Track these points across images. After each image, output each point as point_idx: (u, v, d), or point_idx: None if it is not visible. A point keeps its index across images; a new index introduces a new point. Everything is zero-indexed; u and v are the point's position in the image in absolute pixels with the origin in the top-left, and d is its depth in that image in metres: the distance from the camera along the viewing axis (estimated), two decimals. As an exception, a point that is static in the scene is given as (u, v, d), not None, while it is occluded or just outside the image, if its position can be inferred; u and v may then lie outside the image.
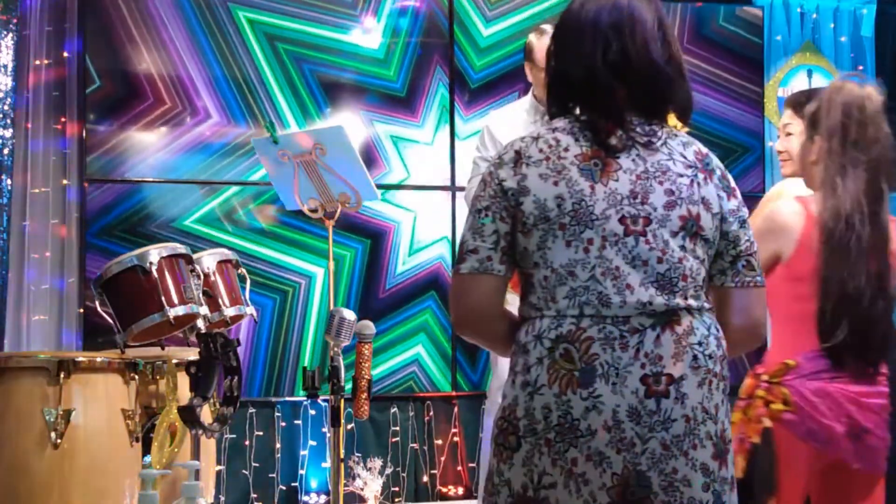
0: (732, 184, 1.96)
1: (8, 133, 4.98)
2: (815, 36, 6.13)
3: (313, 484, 5.20)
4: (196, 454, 3.35)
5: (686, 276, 1.86)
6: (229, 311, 3.55)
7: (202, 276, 3.41)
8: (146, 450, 3.43)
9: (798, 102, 3.03)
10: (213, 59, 5.26)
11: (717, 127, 5.80)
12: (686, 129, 2.06)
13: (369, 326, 3.18)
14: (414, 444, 5.33)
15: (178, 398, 3.39)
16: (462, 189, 4.71)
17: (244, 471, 5.12)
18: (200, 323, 3.30)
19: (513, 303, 1.99)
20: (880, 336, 2.57)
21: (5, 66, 4.98)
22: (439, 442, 5.36)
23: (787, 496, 2.41)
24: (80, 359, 3.41)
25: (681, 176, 1.88)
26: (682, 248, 1.86)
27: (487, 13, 5.62)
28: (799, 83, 5.99)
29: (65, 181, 5.12)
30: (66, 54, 5.14)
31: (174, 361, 3.47)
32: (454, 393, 5.42)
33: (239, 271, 3.69)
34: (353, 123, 5.34)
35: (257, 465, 5.13)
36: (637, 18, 1.91)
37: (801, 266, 2.58)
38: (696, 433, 1.82)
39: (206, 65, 5.25)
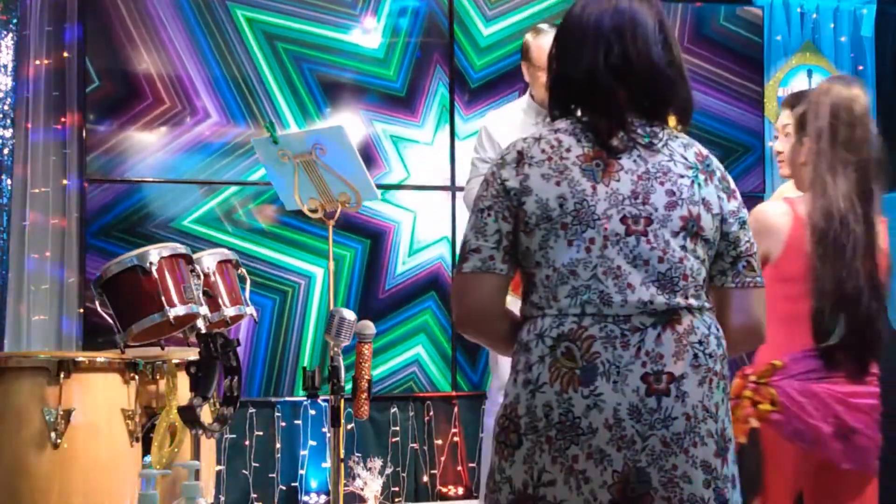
0: (732, 185, 1.98)
1: (8, 133, 4.98)
2: (815, 36, 6.13)
3: (313, 484, 5.19)
4: (196, 454, 3.35)
5: (687, 276, 1.87)
6: (229, 311, 3.56)
7: (202, 276, 3.41)
8: (146, 450, 3.43)
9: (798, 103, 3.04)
10: (213, 58, 5.26)
11: (718, 126, 5.80)
12: (684, 130, 2.06)
13: (369, 326, 3.18)
14: (414, 444, 5.33)
15: (178, 398, 3.39)
16: (462, 189, 4.71)
17: (244, 471, 5.12)
18: (200, 323, 3.30)
19: (513, 305, 2.00)
20: (876, 336, 2.58)
21: (5, 66, 4.98)
22: (439, 442, 5.36)
23: (773, 496, 2.42)
24: (80, 359, 3.41)
25: (681, 177, 1.90)
26: (683, 248, 1.88)
27: (487, 12, 5.62)
28: (799, 83, 5.99)
29: (65, 181, 5.12)
30: (66, 54, 5.14)
31: (174, 361, 3.47)
32: (454, 393, 5.42)
33: (239, 271, 3.69)
34: (352, 123, 5.34)
35: (257, 465, 5.13)
36: (638, 22, 1.94)
37: (789, 267, 2.59)
38: (696, 431, 1.83)
39: (206, 64, 5.25)
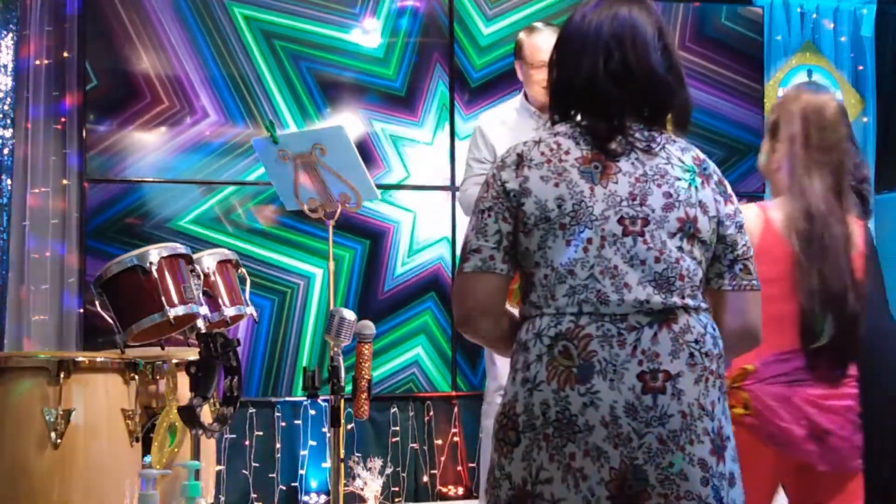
0: (729, 190, 2.01)
1: (8, 133, 4.98)
2: (815, 36, 6.13)
3: (313, 484, 5.19)
4: (196, 454, 3.35)
5: (683, 276, 1.90)
6: (229, 311, 3.56)
7: (202, 276, 3.41)
8: (146, 450, 3.43)
9: None
10: (211, 58, 5.25)
11: (719, 125, 5.80)
12: (682, 134, 2.08)
13: (369, 326, 3.18)
14: (414, 444, 5.33)
15: (178, 398, 3.39)
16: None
17: (244, 471, 5.12)
18: (200, 323, 3.30)
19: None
20: (860, 336, 2.60)
21: (5, 66, 4.98)
22: (439, 442, 5.36)
23: (750, 499, 2.43)
24: (80, 359, 3.41)
25: (679, 179, 1.94)
26: (680, 248, 1.91)
27: (488, 12, 5.61)
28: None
29: (65, 181, 5.12)
30: (66, 54, 5.14)
31: (174, 361, 3.47)
32: (454, 393, 5.42)
33: (239, 271, 3.69)
34: (352, 123, 5.34)
35: (257, 465, 5.13)
36: (637, 29, 1.98)
37: (759, 270, 2.59)
38: (692, 429, 1.86)
39: (204, 64, 5.24)
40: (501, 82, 5.49)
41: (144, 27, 5.19)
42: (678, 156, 1.97)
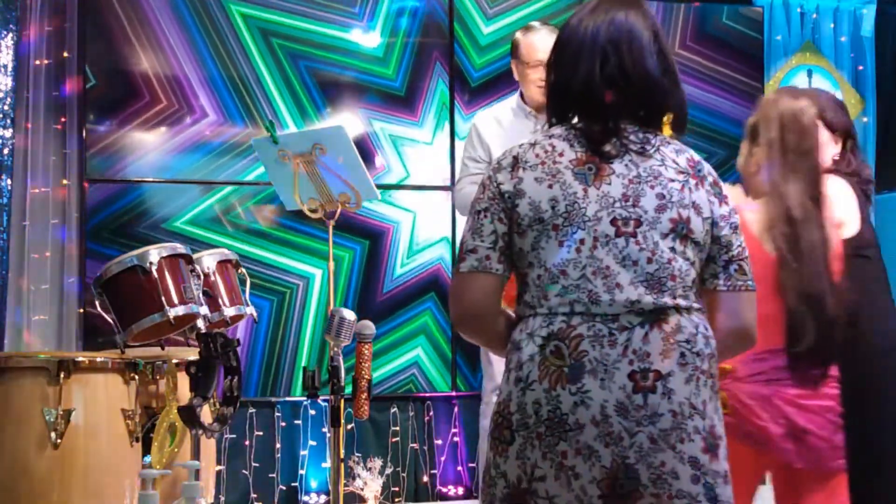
0: (725, 191, 2.03)
1: (8, 133, 4.98)
2: (815, 36, 6.13)
3: (313, 484, 5.19)
4: (196, 454, 3.35)
5: (675, 277, 1.92)
6: (229, 311, 3.56)
7: (202, 276, 3.41)
8: (146, 450, 3.43)
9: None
10: (210, 57, 5.25)
11: (720, 124, 5.80)
12: (679, 137, 2.10)
13: (369, 326, 3.18)
14: (414, 444, 5.33)
15: (178, 398, 3.39)
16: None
17: (244, 471, 5.12)
18: (200, 323, 3.30)
19: None
20: (840, 337, 2.63)
21: (5, 66, 4.98)
22: (439, 442, 5.36)
23: None
24: (80, 359, 3.41)
25: (672, 181, 1.96)
26: (672, 249, 1.93)
27: (488, 11, 5.61)
28: (799, 83, 5.98)
29: (65, 181, 5.12)
30: (66, 54, 5.14)
31: (174, 361, 3.47)
32: (454, 392, 5.42)
33: (239, 271, 3.69)
34: (351, 122, 5.33)
35: (257, 465, 5.13)
36: (633, 34, 2.01)
37: None
38: (683, 427, 1.87)
39: (203, 63, 5.24)
40: (502, 82, 5.48)
41: (143, 27, 5.19)
42: (672, 157, 1.99)
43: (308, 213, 3.77)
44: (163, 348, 3.50)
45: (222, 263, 3.60)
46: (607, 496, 1.85)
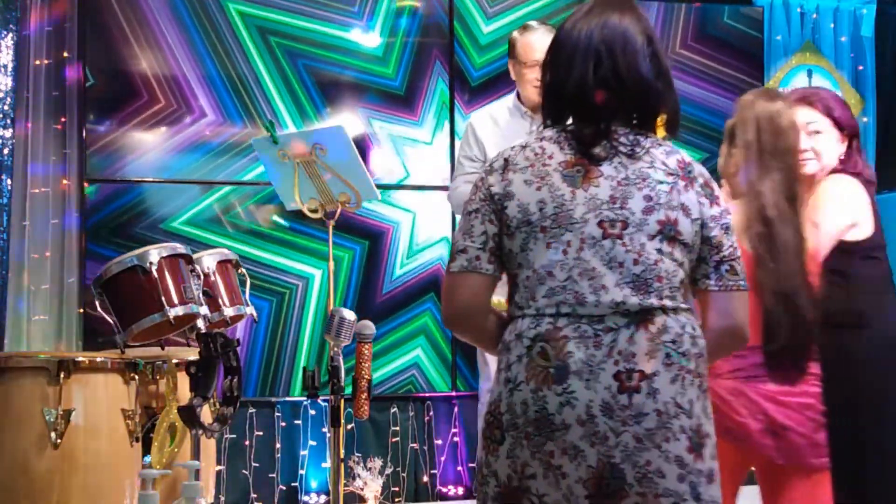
0: (716, 192, 2.04)
1: (8, 133, 4.98)
2: (815, 36, 6.13)
3: (313, 484, 5.19)
4: (196, 454, 3.35)
5: (661, 278, 1.94)
6: (229, 311, 3.56)
7: (202, 276, 3.41)
8: (146, 450, 3.43)
9: (823, 101, 3.06)
10: (208, 57, 5.25)
11: (721, 123, 5.79)
12: (672, 137, 2.12)
13: (369, 326, 3.18)
14: (414, 444, 5.33)
15: (178, 398, 3.39)
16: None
17: (244, 471, 5.12)
18: (200, 323, 3.30)
19: None
20: (807, 334, 2.67)
21: (5, 66, 4.98)
22: (439, 442, 5.36)
23: None
24: (80, 359, 3.41)
25: (660, 183, 1.98)
26: (659, 250, 1.95)
27: (488, 10, 5.61)
28: (799, 83, 5.99)
29: (65, 181, 5.12)
30: (65, 54, 5.14)
31: (174, 361, 3.47)
32: (454, 392, 5.42)
33: (239, 271, 3.69)
34: (350, 122, 5.33)
35: (257, 465, 5.13)
36: (627, 36, 2.03)
37: None
38: (668, 427, 1.89)
39: (202, 63, 5.24)
40: (502, 81, 5.47)
41: (142, 27, 5.19)
42: (662, 159, 2.00)
43: (308, 213, 3.77)
44: (163, 348, 3.50)
45: (222, 263, 3.60)
46: (594, 495, 1.87)
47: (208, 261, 3.54)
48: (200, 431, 3.25)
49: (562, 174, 1.98)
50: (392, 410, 5.32)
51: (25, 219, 5.04)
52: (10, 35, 5.00)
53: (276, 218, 5.28)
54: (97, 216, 5.12)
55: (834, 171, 3.03)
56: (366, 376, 3.13)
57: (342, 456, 3.27)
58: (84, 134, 5.12)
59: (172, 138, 5.22)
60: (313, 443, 5.20)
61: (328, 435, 4.57)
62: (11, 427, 3.30)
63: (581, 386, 1.88)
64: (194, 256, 3.45)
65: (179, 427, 3.36)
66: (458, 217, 2.19)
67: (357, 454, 5.16)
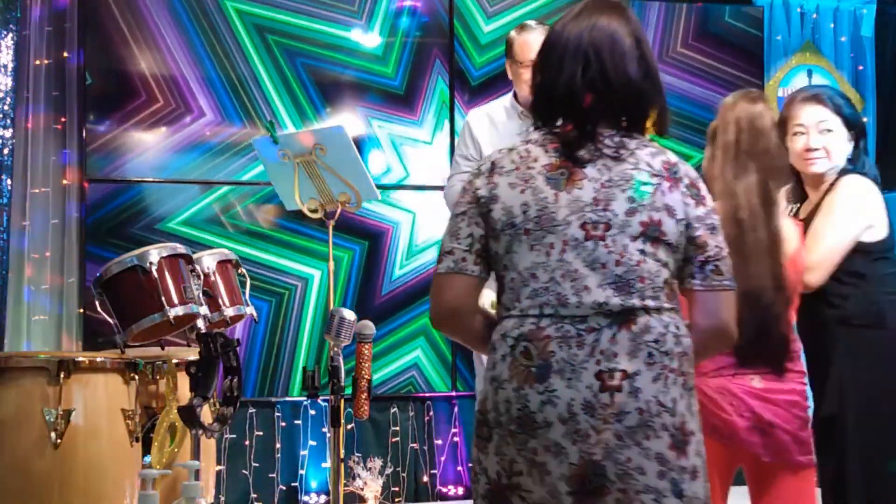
0: (703, 192, 2.06)
1: (8, 133, 4.98)
2: (815, 36, 6.13)
3: (313, 484, 5.19)
4: (196, 454, 3.35)
5: (644, 278, 1.97)
6: (229, 311, 3.56)
7: (202, 276, 3.41)
8: (146, 450, 3.43)
9: (833, 99, 3.05)
10: (207, 56, 5.25)
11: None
12: (662, 137, 2.14)
13: (369, 326, 3.18)
14: (414, 444, 5.33)
15: (178, 398, 3.38)
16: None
17: (244, 471, 5.12)
18: (200, 323, 3.30)
19: None
20: (780, 335, 2.70)
21: (5, 66, 4.98)
22: (439, 442, 5.36)
23: None
24: (80, 359, 3.41)
25: (644, 184, 1.99)
26: (642, 251, 1.97)
27: (488, 9, 5.60)
28: (799, 83, 5.99)
29: (65, 181, 5.12)
30: (65, 54, 5.14)
31: (174, 361, 3.47)
32: (454, 392, 5.42)
33: (239, 272, 3.69)
34: (350, 122, 5.33)
35: (257, 465, 5.13)
36: (615, 39, 2.06)
37: None
38: (650, 425, 1.91)
39: (201, 63, 5.24)
40: (502, 81, 5.43)
41: (140, 27, 5.18)
42: (647, 160, 2.02)
43: (308, 213, 3.77)
44: (163, 348, 3.50)
45: (222, 263, 3.60)
46: (576, 492, 1.91)
47: (208, 261, 3.54)
48: (200, 431, 3.25)
49: (546, 177, 2.01)
50: (392, 410, 5.32)
51: (25, 218, 5.04)
52: (10, 35, 5.00)
53: (275, 218, 5.28)
54: (98, 216, 5.12)
55: (844, 170, 3.03)
56: (366, 376, 3.13)
57: (342, 456, 3.27)
58: (84, 134, 5.12)
59: (172, 137, 5.22)
60: (313, 443, 5.20)
61: (328, 435, 4.57)
62: (11, 427, 3.30)
63: (563, 385, 1.91)
64: (194, 256, 3.45)
65: (179, 427, 3.35)
66: (453, 216, 2.20)
67: (357, 454, 5.16)
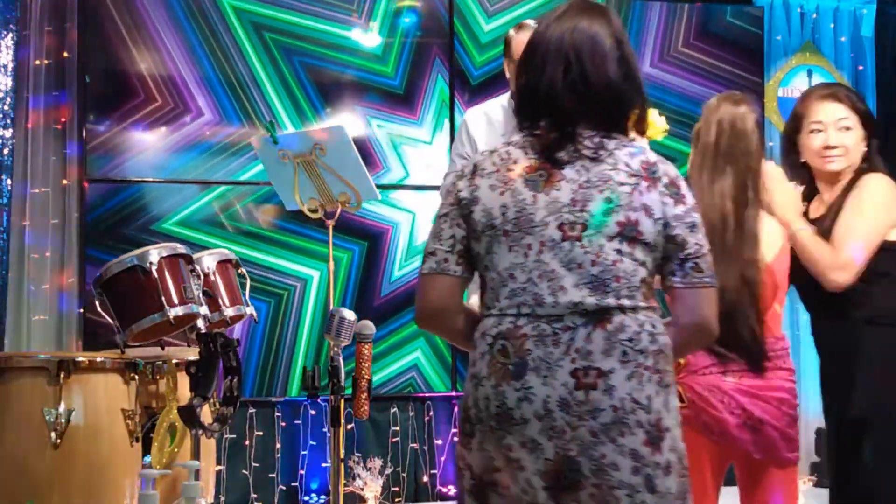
0: (683, 191, 2.07)
1: (8, 133, 4.98)
2: (815, 36, 6.13)
3: (313, 484, 5.19)
4: (196, 454, 3.35)
5: (619, 278, 2.00)
6: (229, 311, 3.56)
7: (202, 276, 3.41)
8: (146, 450, 3.42)
9: (850, 97, 3.04)
10: (205, 56, 5.25)
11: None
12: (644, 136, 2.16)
13: (369, 326, 3.18)
14: (414, 444, 5.33)
15: (178, 398, 3.38)
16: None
17: (244, 471, 5.12)
18: (200, 323, 3.30)
19: None
20: (748, 334, 2.70)
21: (5, 66, 4.98)
22: (439, 442, 5.37)
23: (694, 492, 2.47)
24: (80, 359, 3.41)
25: (622, 184, 2.02)
26: (619, 251, 2.00)
27: (489, 8, 5.60)
28: (799, 83, 5.99)
29: (65, 181, 5.12)
30: (65, 54, 5.14)
31: (174, 361, 3.47)
32: (454, 393, 5.42)
33: (239, 271, 3.69)
34: (349, 121, 5.32)
35: (257, 465, 5.13)
36: (596, 41, 2.08)
37: None
38: (625, 422, 1.94)
39: (199, 63, 5.24)
40: (502, 80, 5.42)
41: (139, 27, 5.19)
42: (626, 161, 2.04)
43: (308, 213, 3.77)
44: (163, 348, 3.50)
45: (222, 263, 3.60)
46: (552, 487, 1.95)
47: (208, 261, 3.53)
48: (200, 431, 3.25)
49: (525, 179, 2.04)
50: (392, 410, 5.32)
51: (25, 219, 5.05)
52: (10, 35, 5.00)
53: (274, 219, 5.27)
54: (98, 216, 5.12)
55: (861, 169, 3.01)
56: (366, 376, 3.13)
57: (342, 456, 3.28)
58: (84, 134, 5.12)
59: (171, 137, 5.22)
60: (313, 443, 5.20)
61: (328, 435, 4.58)
62: (11, 427, 3.30)
63: (538, 382, 1.95)
64: (194, 256, 3.45)
65: (179, 427, 3.35)
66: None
67: (357, 454, 5.16)
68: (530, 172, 2.05)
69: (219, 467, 4.72)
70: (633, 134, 2.14)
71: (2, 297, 4.93)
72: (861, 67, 6.16)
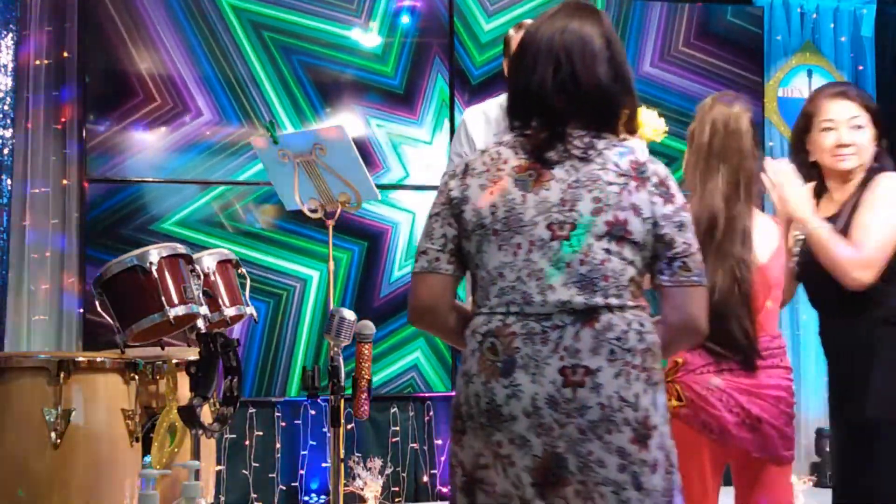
0: (672, 190, 2.08)
1: (8, 133, 4.98)
2: (815, 36, 6.13)
3: (313, 484, 5.19)
4: (196, 454, 3.35)
5: (608, 277, 2.01)
6: (229, 311, 3.55)
7: (202, 276, 3.41)
8: (146, 450, 3.42)
9: (861, 96, 3.02)
10: (205, 56, 5.25)
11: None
12: (633, 134, 2.17)
13: (369, 326, 3.18)
14: (414, 444, 5.33)
15: (178, 398, 3.38)
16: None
17: (244, 471, 5.12)
18: (200, 323, 3.30)
19: None
20: (740, 333, 2.72)
21: (5, 66, 4.98)
22: (439, 442, 5.36)
23: (689, 490, 2.48)
24: (80, 359, 3.41)
25: (610, 184, 2.04)
26: (607, 250, 2.02)
27: (489, 7, 5.60)
28: (799, 83, 5.99)
29: (65, 181, 5.12)
30: (66, 54, 5.14)
31: (174, 361, 3.47)
32: (454, 392, 5.41)
33: (239, 271, 3.69)
34: (349, 121, 5.32)
35: (257, 465, 5.13)
36: (586, 41, 2.10)
37: None
38: (612, 419, 1.96)
39: (198, 63, 5.24)
40: (503, 80, 5.44)
41: (138, 26, 5.19)
42: (615, 161, 2.06)
43: (308, 213, 3.77)
44: (163, 348, 3.50)
45: (222, 263, 3.60)
46: (539, 483, 1.97)
47: (208, 261, 3.53)
48: (200, 431, 3.25)
49: (514, 179, 2.06)
50: (392, 410, 5.32)
51: (25, 219, 5.05)
52: (10, 35, 5.00)
53: (273, 219, 5.27)
54: (98, 216, 5.12)
55: (873, 168, 2.99)
56: (366, 376, 3.13)
57: (342, 456, 3.28)
58: (84, 134, 5.12)
59: (170, 137, 5.22)
60: (313, 443, 5.20)
61: (328, 435, 4.57)
62: (11, 427, 3.30)
63: (527, 380, 1.98)
64: (194, 257, 3.45)
65: (179, 427, 3.35)
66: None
67: (357, 454, 5.16)
68: (520, 172, 2.07)
69: (219, 467, 4.72)
70: (624, 134, 2.15)
71: (2, 297, 4.93)
72: (861, 67, 6.16)
